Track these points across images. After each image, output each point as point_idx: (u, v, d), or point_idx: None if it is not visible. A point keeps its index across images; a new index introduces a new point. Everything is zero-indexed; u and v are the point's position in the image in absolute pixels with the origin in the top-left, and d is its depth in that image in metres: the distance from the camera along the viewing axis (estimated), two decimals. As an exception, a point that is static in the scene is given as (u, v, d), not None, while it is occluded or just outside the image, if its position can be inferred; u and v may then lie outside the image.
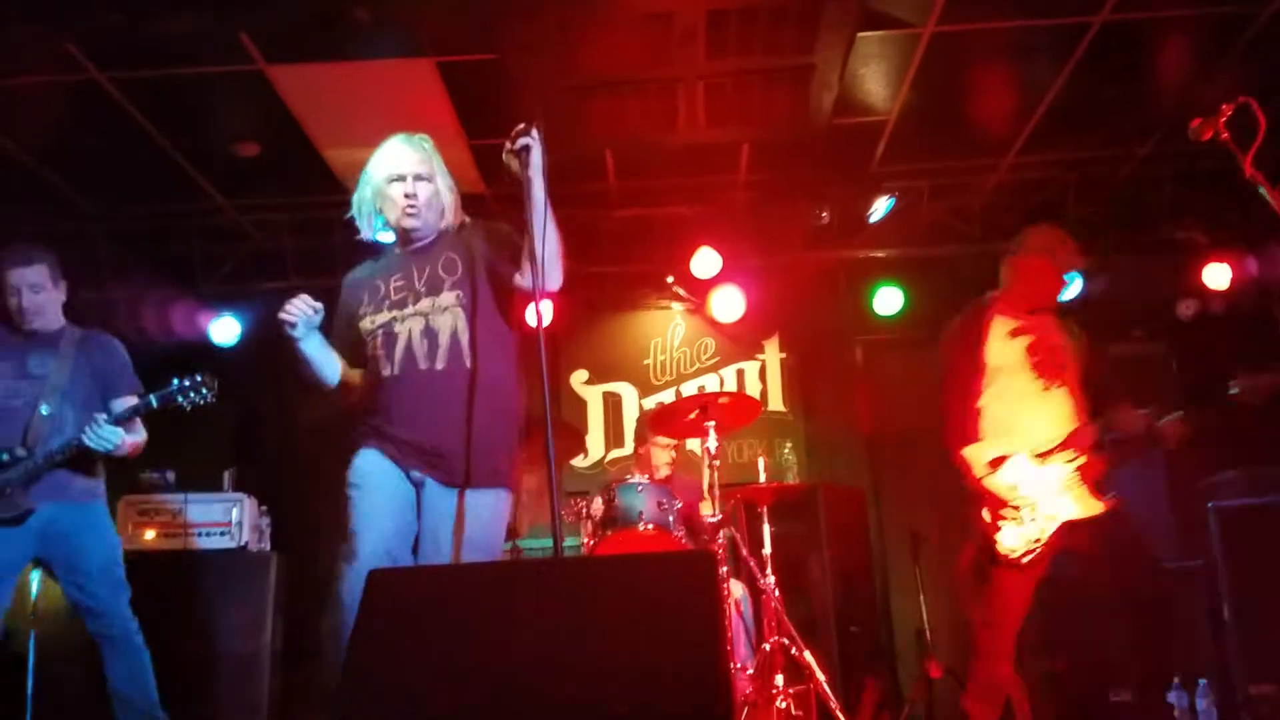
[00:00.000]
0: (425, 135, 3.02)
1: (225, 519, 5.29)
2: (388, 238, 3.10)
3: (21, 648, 4.54)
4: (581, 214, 6.19)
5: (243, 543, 5.27)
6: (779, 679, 4.28)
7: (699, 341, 6.63)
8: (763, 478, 5.01)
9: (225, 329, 6.39)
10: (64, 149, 5.40)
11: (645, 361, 6.59)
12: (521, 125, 2.67)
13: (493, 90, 4.89)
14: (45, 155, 5.43)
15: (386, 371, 2.83)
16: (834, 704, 4.23)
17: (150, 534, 5.21)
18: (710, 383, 6.53)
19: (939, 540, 5.43)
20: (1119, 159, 5.96)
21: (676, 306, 6.67)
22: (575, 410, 6.26)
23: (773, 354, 6.59)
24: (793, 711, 4.22)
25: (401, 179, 2.90)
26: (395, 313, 2.86)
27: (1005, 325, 3.73)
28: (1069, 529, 3.47)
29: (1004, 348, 3.69)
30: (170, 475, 5.45)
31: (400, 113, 5.22)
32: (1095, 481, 3.56)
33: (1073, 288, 5.67)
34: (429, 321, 2.82)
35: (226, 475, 5.62)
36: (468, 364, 2.78)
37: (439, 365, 2.78)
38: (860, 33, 4.54)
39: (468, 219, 3.06)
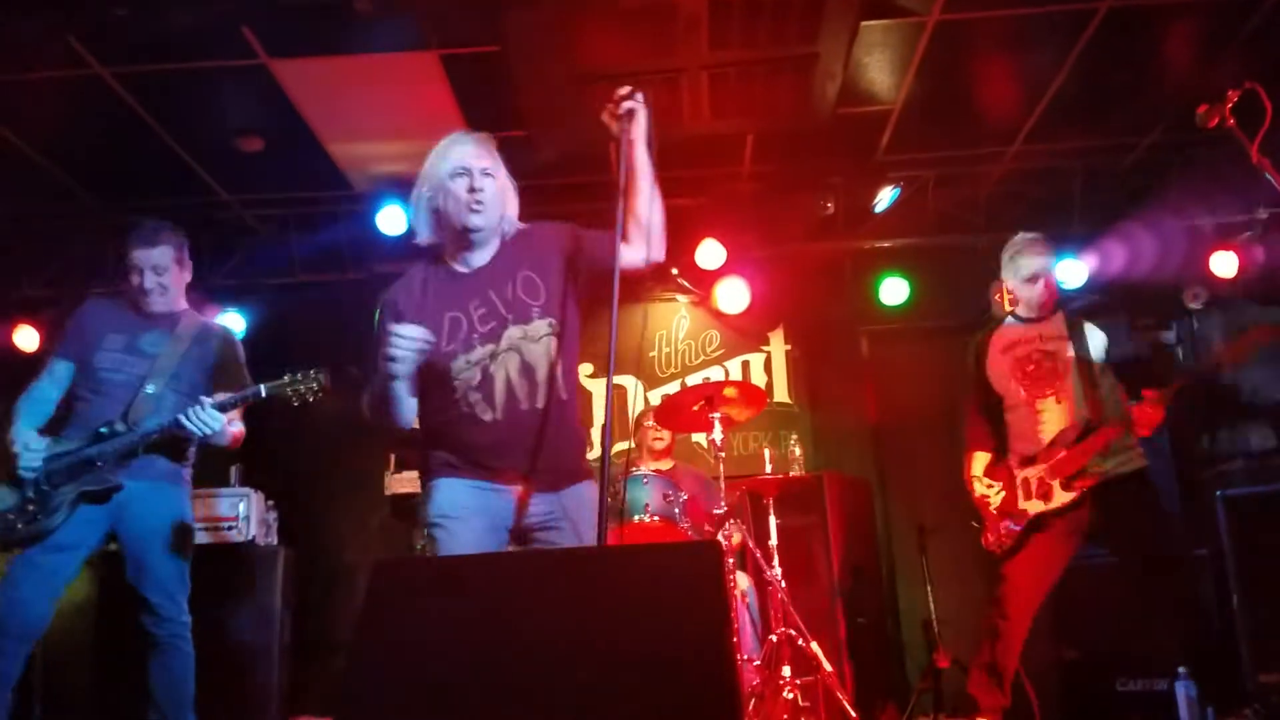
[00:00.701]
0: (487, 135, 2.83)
1: (232, 514, 5.30)
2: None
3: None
4: (585, 206, 6.18)
5: (250, 537, 5.29)
6: (786, 670, 4.28)
7: (704, 334, 6.62)
8: (768, 469, 5.01)
9: (230, 324, 6.39)
10: (68, 143, 5.41)
11: (650, 354, 6.59)
12: (627, 88, 2.56)
13: (496, 83, 4.89)
14: (49, 150, 5.43)
15: (488, 416, 2.64)
16: (841, 695, 4.23)
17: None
18: (715, 375, 6.51)
19: (945, 531, 5.42)
20: (1125, 147, 5.93)
21: (681, 299, 6.66)
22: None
23: (778, 345, 6.58)
24: (800, 702, 4.22)
25: (466, 173, 2.69)
26: (491, 347, 2.66)
27: (1000, 341, 4.10)
28: (1038, 522, 3.84)
29: (999, 362, 4.06)
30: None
31: (403, 106, 5.23)
32: (1069, 476, 3.80)
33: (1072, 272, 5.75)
34: (523, 356, 2.66)
35: (233, 470, 5.63)
36: (564, 395, 2.68)
37: (539, 404, 2.66)
38: (864, 21, 4.52)
39: (521, 225, 2.88)
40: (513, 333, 2.67)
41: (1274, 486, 4.44)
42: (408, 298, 2.77)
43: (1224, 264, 5.97)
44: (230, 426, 3.62)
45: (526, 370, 2.65)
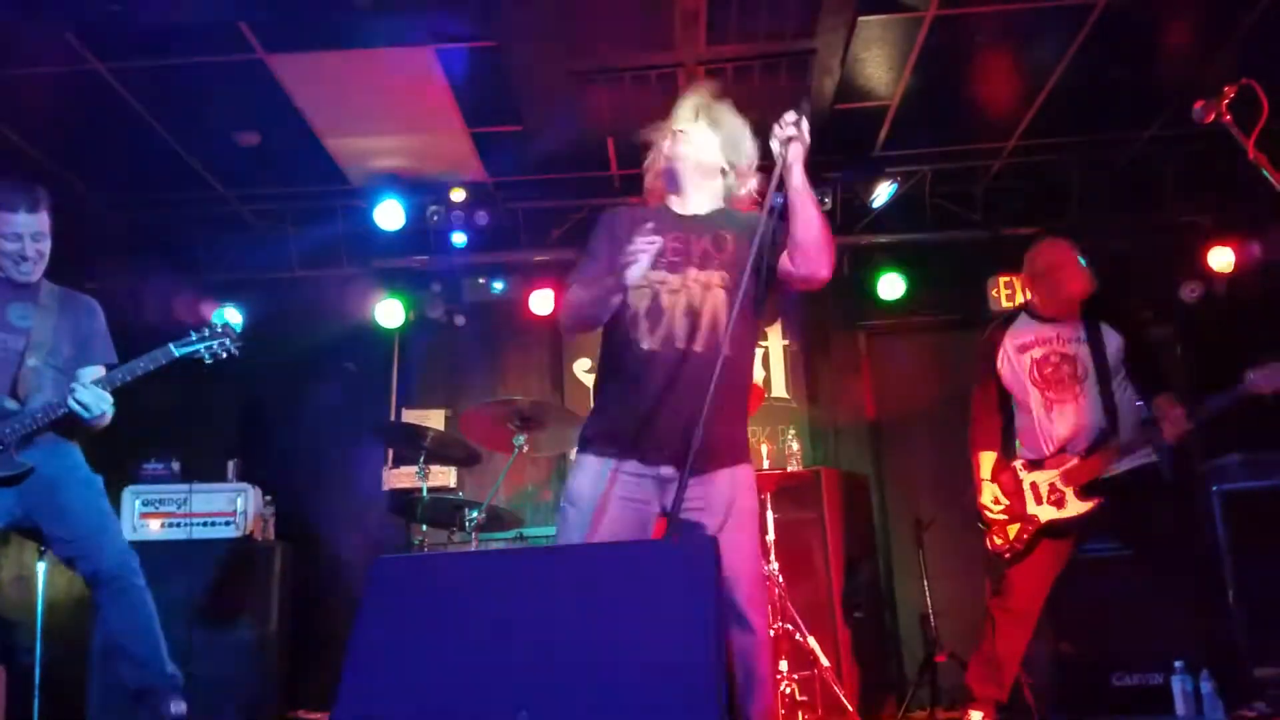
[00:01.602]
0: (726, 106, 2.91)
1: (230, 509, 5.31)
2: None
3: (29, 640, 4.57)
4: (583, 202, 6.19)
5: (247, 532, 5.30)
6: (783, 665, 4.30)
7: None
8: (766, 464, 5.02)
9: (229, 319, 6.40)
10: (65, 139, 5.40)
11: (648, 349, 6.57)
12: (794, 115, 2.59)
13: (494, 77, 4.89)
14: (47, 145, 5.42)
15: (646, 345, 2.68)
16: (839, 689, 4.24)
17: (155, 524, 5.23)
18: (713, 370, 6.51)
19: (943, 525, 5.43)
20: (1123, 142, 5.94)
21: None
22: (579, 398, 6.26)
23: (776, 341, 6.58)
24: (797, 697, 4.24)
25: (681, 131, 2.84)
26: (667, 276, 2.72)
27: (1015, 340, 4.01)
28: (1050, 529, 3.79)
29: (1013, 362, 3.99)
30: (174, 465, 5.47)
31: (401, 101, 5.22)
32: (1083, 485, 3.77)
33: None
34: (690, 298, 2.71)
35: (231, 465, 5.64)
36: (726, 350, 2.58)
37: (697, 347, 2.67)
38: (862, 16, 4.52)
39: (757, 204, 2.88)
40: (691, 274, 2.73)
41: (1269, 481, 4.45)
42: (632, 213, 2.88)
43: (1221, 259, 5.99)
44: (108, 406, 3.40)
45: (690, 311, 2.70)
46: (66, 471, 3.42)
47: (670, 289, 2.71)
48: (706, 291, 2.72)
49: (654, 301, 2.71)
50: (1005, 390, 4.03)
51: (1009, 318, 4.12)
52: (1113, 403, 3.78)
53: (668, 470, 2.63)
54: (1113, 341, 3.86)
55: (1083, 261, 3.93)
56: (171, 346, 3.39)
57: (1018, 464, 3.91)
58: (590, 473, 2.68)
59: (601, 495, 2.62)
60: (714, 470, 2.65)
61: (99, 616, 3.45)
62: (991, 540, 3.93)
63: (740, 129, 2.88)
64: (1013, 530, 3.85)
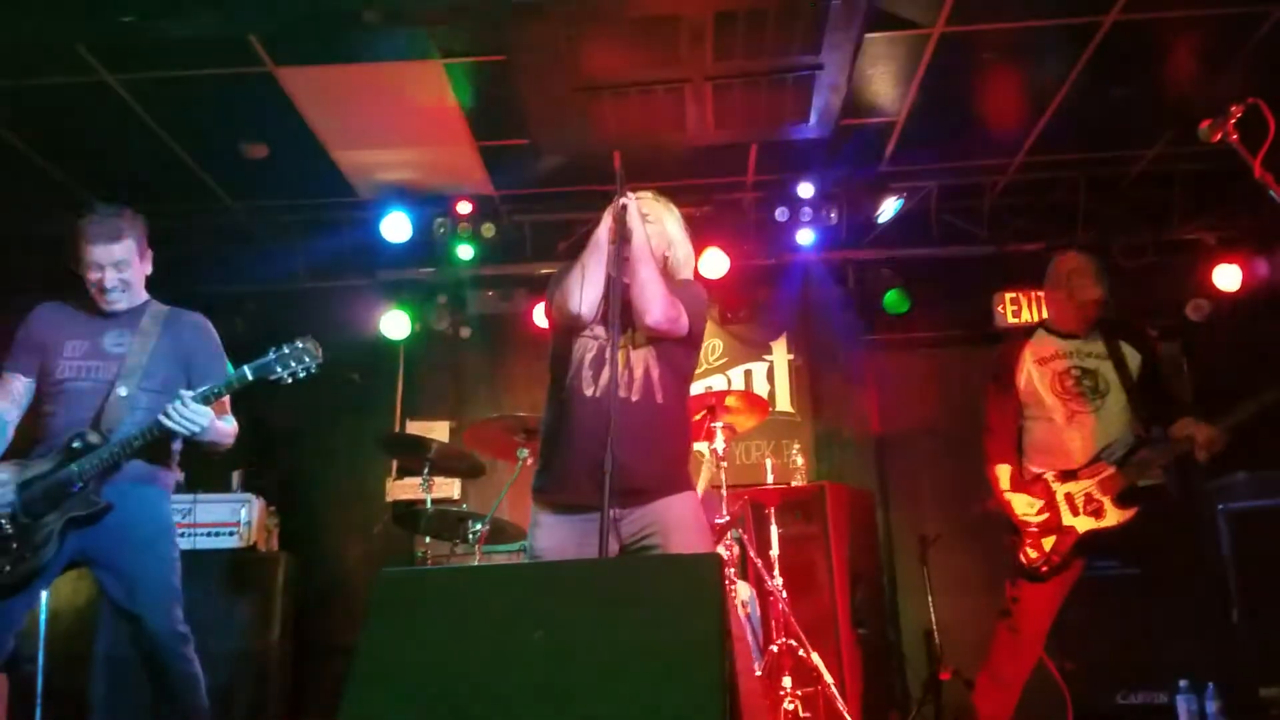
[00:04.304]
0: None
1: (234, 519, 5.31)
2: None
3: (32, 649, 4.56)
4: (589, 215, 6.19)
5: (251, 543, 5.30)
6: (787, 681, 4.28)
7: (707, 343, 6.61)
8: (770, 479, 5.01)
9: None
10: (74, 150, 5.43)
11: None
12: (620, 201, 2.92)
13: (501, 92, 4.91)
14: (56, 155, 5.46)
15: (589, 391, 2.87)
16: (842, 705, 4.22)
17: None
18: (718, 384, 6.52)
19: (947, 541, 5.42)
20: (1128, 160, 5.94)
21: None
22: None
23: (780, 355, 6.58)
24: (801, 713, 4.22)
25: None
26: (602, 333, 2.92)
27: (1036, 353, 4.01)
28: (1090, 540, 3.72)
29: (1033, 374, 3.98)
30: (179, 475, 5.46)
31: (409, 114, 5.25)
32: (1119, 493, 3.74)
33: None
34: (628, 350, 2.91)
35: (235, 475, 5.65)
36: (659, 399, 2.89)
37: (634, 397, 2.86)
38: (868, 34, 4.54)
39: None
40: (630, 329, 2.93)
41: (1275, 500, 4.44)
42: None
43: (1227, 277, 5.98)
44: (220, 422, 3.28)
45: (627, 364, 2.90)
46: (142, 522, 3.23)
47: (610, 341, 2.83)
48: (637, 346, 2.92)
49: (596, 354, 2.90)
50: (1021, 403, 3.99)
51: (1028, 331, 4.13)
52: (1143, 414, 3.81)
53: (616, 511, 2.74)
54: (1134, 359, 3.90)
55: (1100, 272, 3.96)
56: (246, 369, 3.20)
57: (1048, 475, 3.83)
58: (546, 528, 2.86)
59: (559, 549, 2.80)
60: (657, 500, 2.83)
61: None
62: (1025, 554, 3.79)
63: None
64: (1048, 543, 3.76)
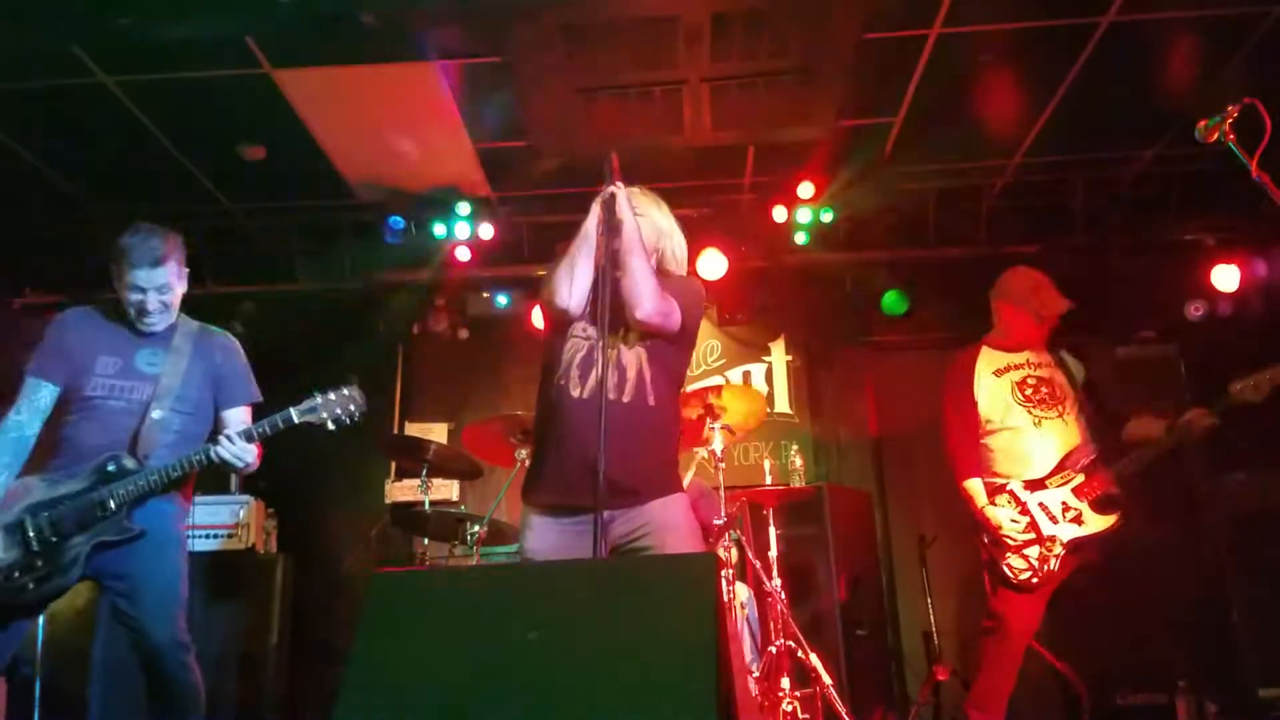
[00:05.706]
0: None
1: (232, 521, 5.31)
2: None
3: (29, 653, 4.56)
4: (586, 216, 6.18)
5: (249, 544, 5.29)
6: (785, 682, 4.27)
7: (705, 343, 6.62)
8: (769, 480, 5.00)
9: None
10: (71, 152, 5.43)
11: (651, 364, 6.58)
12: (607, 190, 2.91)
13: (500, 93, 4.91)
14: (53, 158, 5.46)
15: (576, 393, 2.82)
16: (840, 707, 4.22)
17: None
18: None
19: (946, 542, 5.41)
20: (1126, 160, 5.94)
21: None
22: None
23: (779, 356, 6.58)
24: (799, 714, 4.21)
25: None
26: (593, 332, 2.87)
27: (991, 365, 4.06)
28: (1074, 547, 3.72)
29: (992, 386, 4.01)
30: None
31: (407, 116, 5.24)
32: (1098, 499, 3.76)
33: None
34: (618, 350, 2.86)
35: (233, 477, 5.63)
36: (650, 401, 2.84)
37: (625, 397, 2.81)
38: (866, 34, 4.53)
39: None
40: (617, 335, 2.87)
41: (1275, 502, 4.44)
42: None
43: (1225, 278, 5.98)
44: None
45: (619, 366, 2.85)
46: (153, 530, 3.15)
47: (599, 342, 2.80)
48: (629, 345, 2.87)
49: (586, 354, 2.86)
50: (982, 417, 4.00)
51: (972, 349, 4.15)
52: (1096, 421, 3.88)
53: (606, 513, 2.69)
54: (1078, 370, 3.99)
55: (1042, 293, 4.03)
56: (292, 412, 3.20)
57: (1015, 485, 3.84)
58: (537, 530, 2.83)
59: (550, 551, 2.78)
60: (648, 501, 2.80)
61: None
62: (1009, 568, 3.75)
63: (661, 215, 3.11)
64: (1033, 553, 3.74)
